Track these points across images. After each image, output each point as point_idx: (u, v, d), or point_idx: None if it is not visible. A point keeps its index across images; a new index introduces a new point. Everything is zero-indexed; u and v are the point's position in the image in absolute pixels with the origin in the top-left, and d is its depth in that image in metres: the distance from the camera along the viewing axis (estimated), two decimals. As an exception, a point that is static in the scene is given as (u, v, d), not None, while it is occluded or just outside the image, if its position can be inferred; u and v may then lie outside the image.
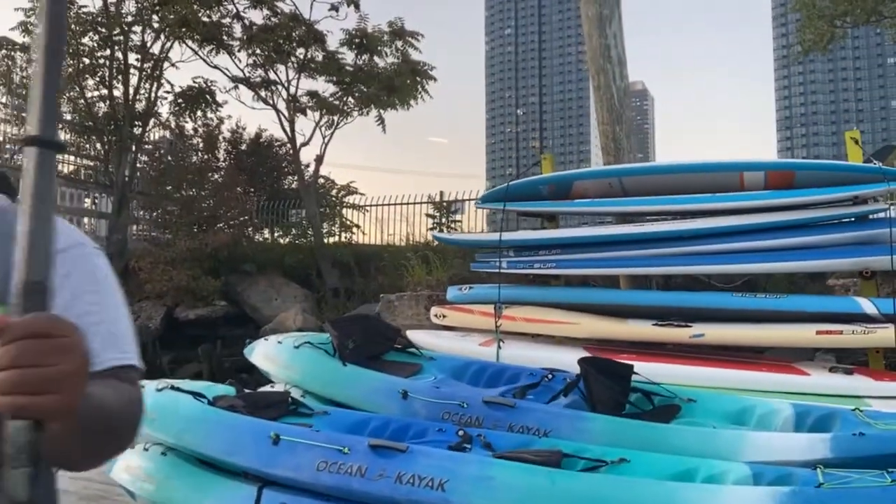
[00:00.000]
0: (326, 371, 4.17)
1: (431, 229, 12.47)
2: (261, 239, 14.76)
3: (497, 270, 5.52)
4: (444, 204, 13.19)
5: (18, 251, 0.72)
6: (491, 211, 7.30)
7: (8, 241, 0.79)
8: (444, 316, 5.85)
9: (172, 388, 3.52)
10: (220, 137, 16.87)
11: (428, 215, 13.19)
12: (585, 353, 4.58)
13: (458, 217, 13.42)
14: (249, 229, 14.12)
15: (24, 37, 13.68)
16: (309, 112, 13.54)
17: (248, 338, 5.20)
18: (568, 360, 4.41)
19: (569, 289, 5.67)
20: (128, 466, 3.48)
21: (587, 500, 2.54)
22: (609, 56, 6.66)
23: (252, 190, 15.65)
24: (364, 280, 12.30)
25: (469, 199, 12.67)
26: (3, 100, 17.54)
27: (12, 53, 15.47)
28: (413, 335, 5.22)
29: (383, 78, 13.16)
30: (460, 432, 3.17)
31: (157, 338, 11.24)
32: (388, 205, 14.43)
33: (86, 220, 14.79)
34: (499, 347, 5.00)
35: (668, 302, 5.21)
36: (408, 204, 14.11)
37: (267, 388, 4.42)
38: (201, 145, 16.90)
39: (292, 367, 4.27)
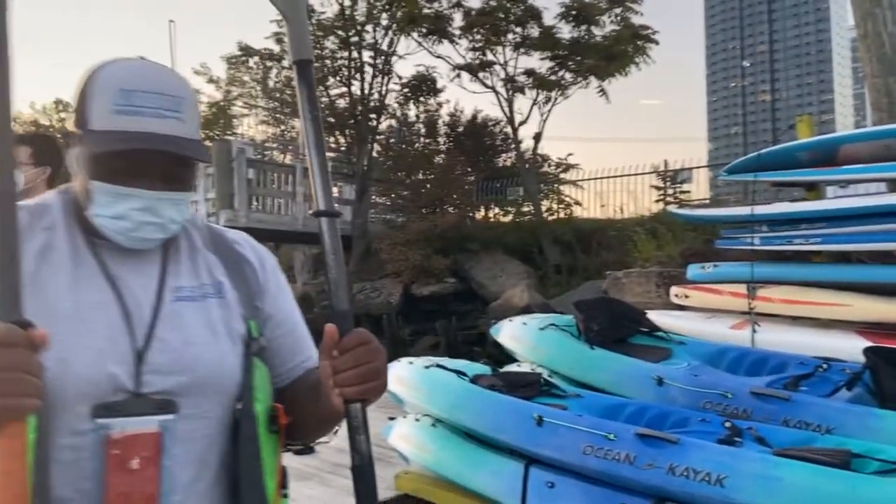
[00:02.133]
0: (573, 354, 4.21)
1: (658, 201, 11.93)
2: (482, 218, 15.30)
3: (749, 248, 5.11)
4: (670, 174, 12.53)
5: (331, 288, 0.96)
6: (723, 181, 6.76)
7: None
8: (686, 296, 5.57)
9: (438, 366, 3.82)
10: (440, 122, 17.77)
11: (654, 187, 12.61)
12: (860, 340, 4.09)
13: (684, 187, 12.67)
14: (470, 209, 14.68)
15: (278, 45, 15.52)
16: (526, 90, 13.64)
17: (476, 313, 5.43)
18: (840, 347, 3.98)
19: (836, 265, 5.05)
20: (402, 434, 3.86)
21: (887, 508, 2.29)
22: (878, -1, 5.78)
23: (470, 170, 16.25)
24: (586, 256, 12.18)
25: (698, 167, 11.90)
26: (262, 103, 20.08)
27: (267, 62, 17.67)
28: (651, 317, 5.06)
29: (602, 48, 12.80)
30: (727, 424, 3.02)
31: (398, 312, 12.26)
32: (609, 177, 14.07)
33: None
34: (753, 331, 4.65)
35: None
36: (629, 175, 13.64)
37: (513, 368, 4.59)
38: (423, 131, 17.94)
39: (539, 349, 4.38)
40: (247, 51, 17.55)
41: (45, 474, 0.82)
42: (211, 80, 19.78)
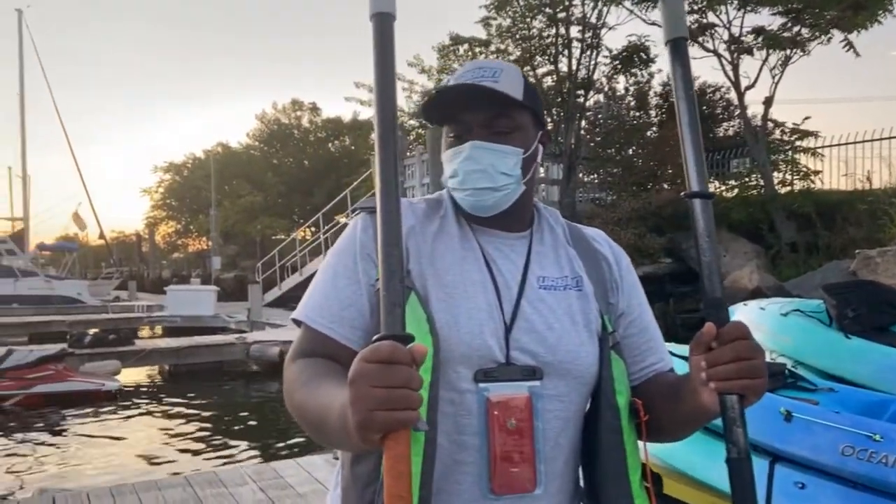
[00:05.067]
0: (824, 343, 3.80)
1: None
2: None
3: None
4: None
5: (704, 273, 0.93)
6: None
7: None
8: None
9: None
10: (652, 93, 16.85)
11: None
12: None
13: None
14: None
15: (485, 30, 15.81)
16: (755, 51, 12.39)
17: (696, 296, 5.07)
18: None
19: None
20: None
21: None
22: None
23: (687, 142, 15.23)
24: (829, 233, 10.85)
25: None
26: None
27: (476, 48, 18.10)
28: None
29: (847, -5, 11.18)
30: None
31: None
32: (855, 143, 12.34)
33: (541, 186, 16.49)
34: None
35: None
36: (881, 140, 11.84)
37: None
38: (633, 104, 17.17)
39: (781, 337, 4.01)
40: (456, 39, 18.12)
41: (435, 418, 0.92)
42: (423, 71, 20.77)
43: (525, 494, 0.97)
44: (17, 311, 19.32)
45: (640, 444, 1.06)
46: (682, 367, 0.99)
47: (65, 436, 7.69)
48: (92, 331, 12.58)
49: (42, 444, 7.31)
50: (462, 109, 1.05)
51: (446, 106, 1.07)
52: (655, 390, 1.08)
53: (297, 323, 1.05)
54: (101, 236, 29.47)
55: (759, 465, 2.92)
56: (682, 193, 0.97)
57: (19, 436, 7.54)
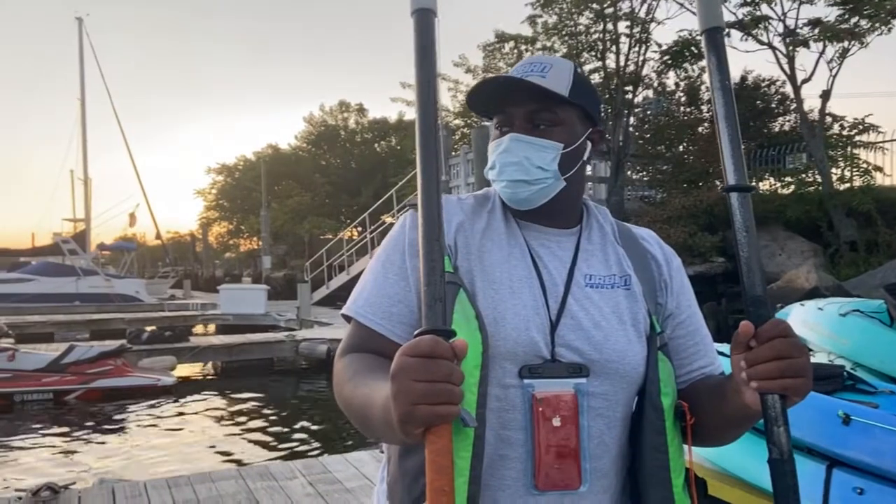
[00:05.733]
0: (884, 344, 3.65)
1: None
2: (757, 190, 13.91)
3: None
4: None
5: (743, 270, 0.90)
6: None
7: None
8: None
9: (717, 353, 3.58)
10: (703, 88, 16.44)
11: None
12: None
13: None
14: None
15: (531, 28, 15.71)
16: (811, 43, 11.98)
17: (774, 301, 4.92)
18: None
19: None
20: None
21: None
22: None
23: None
24: (890, 231, 10.42)
25: None
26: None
27: (522, 45, 18.02)
28: None
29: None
30: None
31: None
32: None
33: (588, 185, 16.31)
34: None
35: None
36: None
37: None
38: (684, 99, 16.79)
39: (839, 338, 3.87)
40: (502, 37, 18.07)
41: (484, 414, 0.92)
42: (468, 70, 20.76)
43: (569, 491, 0.96)
44: (79, 309, 20.13)
45: (685, 447, 1.05)
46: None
47: (123, 429, 7.98)
48: (149, 328, 13.00)
49: (101, 436, 7.60)
50: (506, 102, 1.06)
51: (492, 98, 1.08)
52: (703, 393, 1.06)
53: (347, 318, 1.06)
54: (158, 236, 30.42)
55: (816, 470, 2.84)
56: (720, 187, 0.95)
57: (80, 429, 7.85)
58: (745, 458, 3.18)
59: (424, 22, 0.84)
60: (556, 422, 0.95)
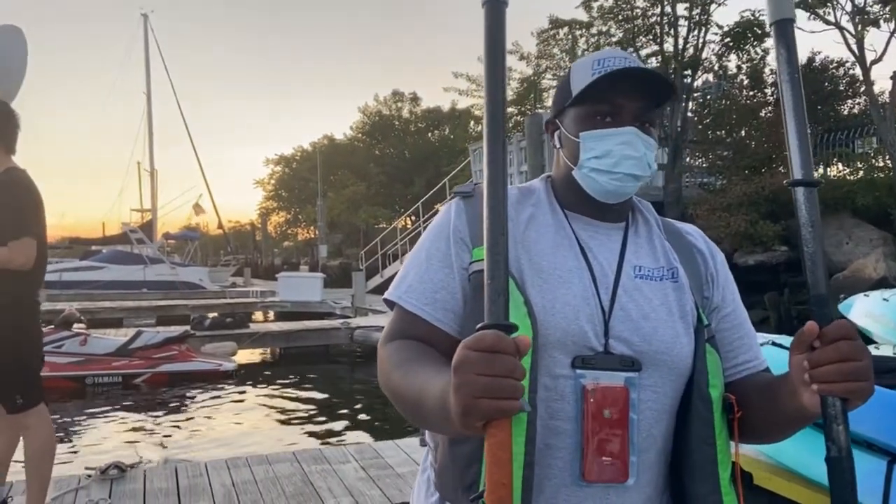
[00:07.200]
0: (956, 337, 3.47)
1: None
2: (822, 176, 13.32)
3: None
4: None
5: (807, 266, 0.89)
6: None
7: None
8: None
9: (773, 344, 3.47)
10: (767, 70, 15.83)
11: None
12: None
13: None
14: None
15: (587, 13, 15.43)
16: (881, 23, 11.37)
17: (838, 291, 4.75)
18: None
19: None
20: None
21: None
22: None
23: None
24: (969, 218, 9.84)
25: None
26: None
27: (575, 31, 17.73)
28: None
29: None
30: None
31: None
32: None
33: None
34: None
35: None
36: None
37: (870, 351, 3.96)
38: (746, 83, 16.21)
39: (906, 329, 3.70)
40: (556, 23, 17.81)
41: (535, 402, 0.93)
42: (522, 58, 20.57)
43: (615, 484, 0.96)
44: (146, 296, 21.01)
45: (731, 443, 1.03)
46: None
47: (186, 411, 8.31)
48: (211, 314, 13.43)
49: (166, 418, 7.94)
50: (619, 94, 1.03)
51: (603, 88, 1.03)
52: (750, 389, 1.04)
53: (390, 304, 1.06)
54: (220, 226, 31.42)
55: (877, 465, 2.73)
56: (785, 182, 0.93)
57: (146, 411, 8.22)
58: (797, 450, 3.08)
59: (496, 13, 0.82)
60: (607, 414, 0.95)
